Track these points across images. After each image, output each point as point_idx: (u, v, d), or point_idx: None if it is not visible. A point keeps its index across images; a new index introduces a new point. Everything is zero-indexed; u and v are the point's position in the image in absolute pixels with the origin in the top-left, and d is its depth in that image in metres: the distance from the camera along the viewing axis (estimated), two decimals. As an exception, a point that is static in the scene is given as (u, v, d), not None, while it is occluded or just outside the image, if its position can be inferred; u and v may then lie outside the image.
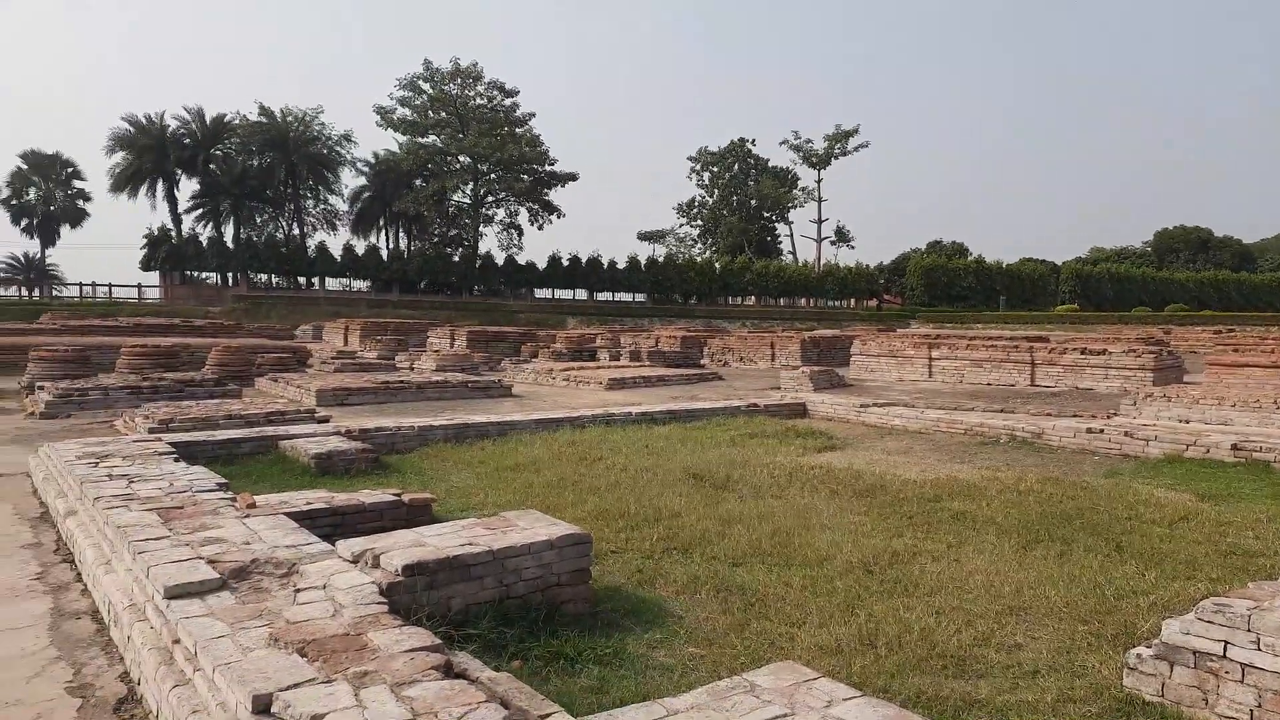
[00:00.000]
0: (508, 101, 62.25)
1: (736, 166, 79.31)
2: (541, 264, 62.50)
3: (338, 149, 61.08)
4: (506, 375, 19.26)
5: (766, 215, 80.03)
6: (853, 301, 71.46)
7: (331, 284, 58.70)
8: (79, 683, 3.65)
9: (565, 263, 62.59)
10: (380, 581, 3.75)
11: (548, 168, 62.98)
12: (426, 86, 60.42)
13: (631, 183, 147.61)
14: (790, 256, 79.40)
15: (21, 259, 63.26)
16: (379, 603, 3.52)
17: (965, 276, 70.18)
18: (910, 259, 74.68)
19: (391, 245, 63.71)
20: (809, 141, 75.87)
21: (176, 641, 3.39)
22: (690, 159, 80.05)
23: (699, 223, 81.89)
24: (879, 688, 3.42)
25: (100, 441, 7.88)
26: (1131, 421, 10.26)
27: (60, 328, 28.49)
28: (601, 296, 64.58)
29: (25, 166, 59.24)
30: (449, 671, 2.94)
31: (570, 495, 6.78)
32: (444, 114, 60.13)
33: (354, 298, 55.52)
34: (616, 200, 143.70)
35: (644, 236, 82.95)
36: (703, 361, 26.25)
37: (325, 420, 10.56)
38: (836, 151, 75.40)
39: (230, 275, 55.58)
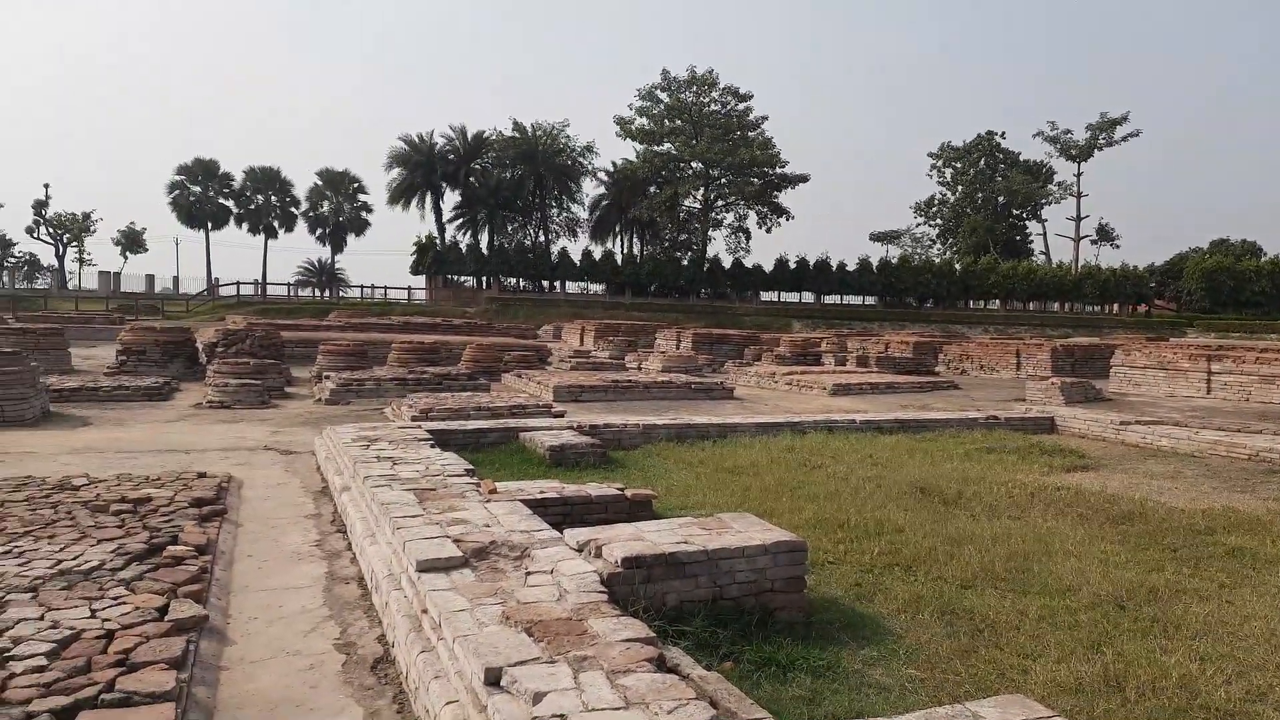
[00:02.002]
0: (740, 106, 62.64)
1: (983, 162, 74.32)
2: (768, 267, 62.23)
3: (580, 160, 64.57)
4: (729, 378, 19.39)
5: (1016, 213, 74.38)
6: (1115, 307, 64.42)
7: (571, 287, 62.09)
8: (344, 640, 4.15)
9: (792, 265, 61.83)
10: (601, 571, 3.93)
11: (778, 170, 62.66)
12: (663, 96, 62.25)
13: (865, 182, 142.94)
14: (1042, 257, 73.22)
15: (316, 264, 72.86)
16: (600, 591, 3.69)
17: (1258, 280, 60.95)
18: (1188, 260, 66.13)
19: (626, 250, 66.33)
20: (1068, 132, 69.70)
21: (424, 611, 3.75)
22: (931, 155, 76.23)
23: (938, 222, 77.78)
24: (1125, 736, 3.09)
25: (372, 426, 8.89)
26: None
27: (344, 325, 32.44)
28: (829, 299, 63.10)
29: (320, 183, 68.21)
30: (661, 665, 3.03)
31: (787, 501, 6.71)
32: (679, 121, 61.64)
33: (590, 300, 58.37)
34: (848, 201, 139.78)
35: (876, 237, 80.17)
36: (937, 369, 24.95)
37: (560, 415, 11.21)
38: (1100, 142, 68.62)
39: (484, 279, 60.46)
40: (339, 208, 68.47)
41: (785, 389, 18.10)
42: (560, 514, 5.54)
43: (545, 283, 61.69)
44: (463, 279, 60.91)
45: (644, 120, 62.46)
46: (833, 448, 9.41)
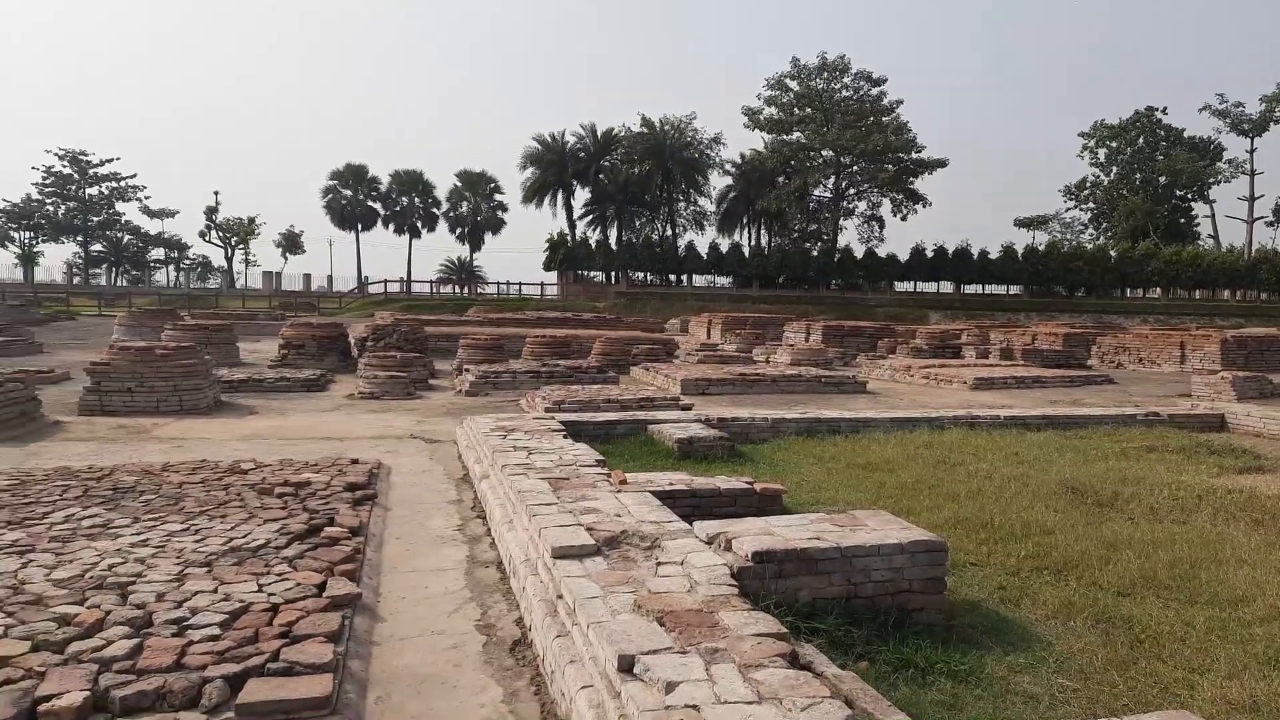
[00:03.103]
0: (874, 91, 60.83)
1: (1141, 140, 68.98)
2: (903, 256, 60.09)
3: (707, 152, 64.40)
4: (861, 371, 18.89)
5: (1179, 194, 68.71)
6: (1296, 294, 58.60)
7: (698, 280, 62.12)
8: (485, 622, 4.31)
9: (929, 254, 59.49)
10: (731, 564, 3.92)
11: (914, 155, 60.41)
12: (793, 84, 61.18)
13: (1009, 165, 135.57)
14: (1210, 241, 67.45)
15: (456, 262, 76.03)
16: (730, 584, 3.68)
17: None
18: (1385, 240, 59.37)
19: (753, 242, 65.77)
20: (1239, 105, 63.83)
21: (559, 597, 3.85)
22: (1082, 135, 71.45)
23: (1091, 206, 72.89)
24: (1310, 765, 2.82)
25: (508, 417, 9.19)
26: None
27: (483, 320, 33.69)
28: (969, 289, 60.42)
29: (459, 184, 71.15)
30: (794, 661, 2.99)
31: (925, 499, 6.48)
32: (809, 110, 60.45)
33: (717, 293, 58.24)
34: (991, 185, 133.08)
35: (1022, 223, 75.95)
36: (1090, 362, 23.48)
37: (688, 408, 11.24)
38: (1277, 115, 62.44)
39: (613, 273, 61.41)
40: (477, 207, 71.20)
41: (922, 383, 17.46)
42: (689, 506, 5.55)
43: (672, 276, 61.98)
44: (592, 274, 62.07)
45: (772, 110, 61.65)
46: (974, 445, 9.01)
